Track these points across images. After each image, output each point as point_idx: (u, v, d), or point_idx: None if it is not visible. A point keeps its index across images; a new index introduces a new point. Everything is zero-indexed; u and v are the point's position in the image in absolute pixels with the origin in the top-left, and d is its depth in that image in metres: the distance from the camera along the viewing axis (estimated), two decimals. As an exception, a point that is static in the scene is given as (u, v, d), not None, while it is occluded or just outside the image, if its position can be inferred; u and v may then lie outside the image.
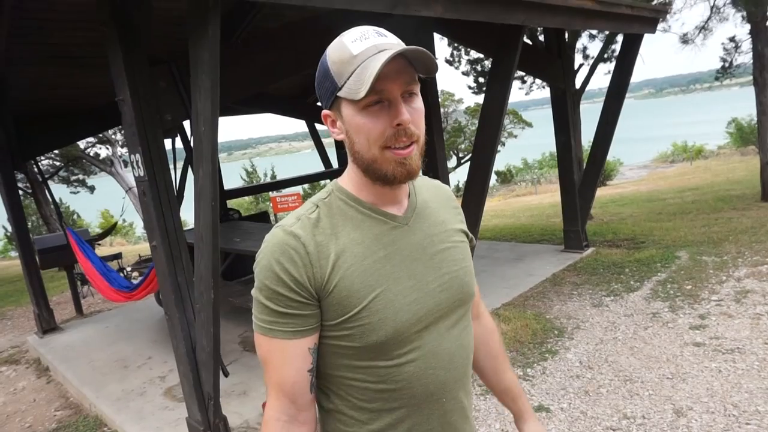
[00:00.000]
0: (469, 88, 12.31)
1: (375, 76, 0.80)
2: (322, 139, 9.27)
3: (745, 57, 9.13)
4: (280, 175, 22.18)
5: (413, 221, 0.98)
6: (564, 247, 6.38)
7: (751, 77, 8.50)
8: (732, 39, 9.24)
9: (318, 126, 8.86)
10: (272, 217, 9.36)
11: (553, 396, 3.23)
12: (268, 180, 23.04)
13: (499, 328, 4.22)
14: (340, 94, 0.87)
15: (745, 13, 8.13)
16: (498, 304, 4.79)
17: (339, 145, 8.35)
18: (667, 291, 4.65)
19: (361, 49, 0.85)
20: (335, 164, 8.93)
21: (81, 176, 15.70)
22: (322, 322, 0.91)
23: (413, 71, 0.87)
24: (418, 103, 0.90)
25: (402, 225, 0.96)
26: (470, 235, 1.14)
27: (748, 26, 8.23)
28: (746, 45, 8.79)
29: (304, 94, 8.16)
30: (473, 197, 4.50)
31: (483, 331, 1.21)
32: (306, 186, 20.28)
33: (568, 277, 5.39)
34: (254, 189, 13.30)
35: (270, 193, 11.48)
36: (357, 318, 0.89)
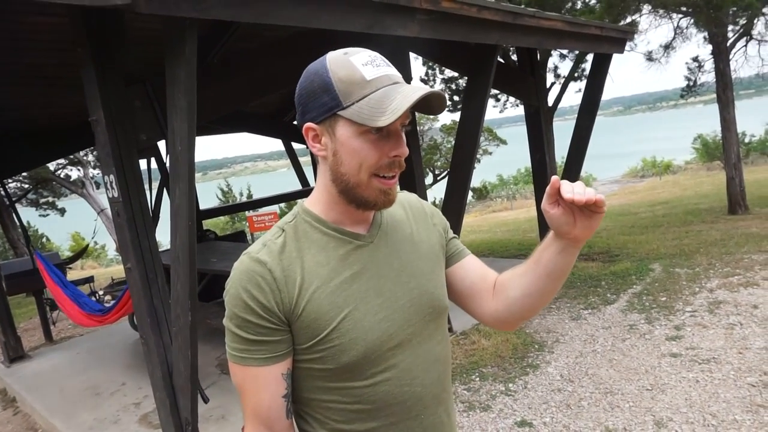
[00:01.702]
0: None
1: (405, 110, 0.82)
2: (299, 158, 9.24)
3: (708, 76, 9.50)
4: (257, 195, 22.02)
5: (378, 238, 0.97)
6: (541, 261, 6.44)
7: (714, 95, 8.83)
8: (695, 59, 9.61)
9: (294, 145, 8.84)
10: (249, 237, 9.25)
11: (536, 410, 3.23)
12: (244, 199, 22.84)
13: (479, 343, 4.22)
14: (343, 113, 0.85)
15: (707, 34, 8.47)
16: (477, 321, 4.79)
17: (315, 163, 8.34)
18: (642, 303, 4.72)
19: (375, 76, 0.85)
20: (312, 182, 8.90)
21: (50, 198, 15.32)
22: (294, 346, 0.91)
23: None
24: (404, 135, 0.92)
25: (367, 243, 0.96)
26: (450, 234, 1.13)
27: (710, 47, 8.57)
28: (709, 65, 9.15)
29: (280, 113, 8.15)
30: (451, 214, 4.52)
31: (502, 291, 1.07)
32: (283, 205, 20.17)
33: (546, 292, 5.43)
34: (230, 209, 13.18)
35: (246, 212, 11.37)
36: (327, 340, 0.89)
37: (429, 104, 0.89)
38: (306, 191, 9.00)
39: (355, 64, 0.86)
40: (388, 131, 0.87)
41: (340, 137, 0.88)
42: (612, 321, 4.44)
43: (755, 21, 8.48)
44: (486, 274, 1.11)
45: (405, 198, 1.11)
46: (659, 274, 5.48)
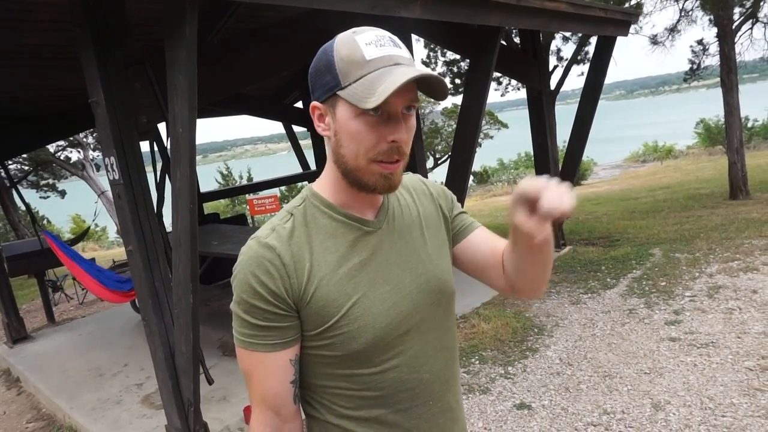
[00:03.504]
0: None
1: (391, 92, 0.78)
2: (300, 141, 9.21)
3: (712, 59, 9.41)
4: (257, 178, 21.99)
5: (386, 224, 0.96)
6: (541, 246, 6.43)
7: (718, 79, 8.76)
8: (700, 42, 9.52)
9: (295, 127, 8.80)
10: (249, 220, 9.26)
11: (535, 393, 3.26)
12: (244, 182, 22.82)
13: (478, 327, 4.25)
14: (342, 93, 0.83)
15: (712, 17, 8.37)
16: (478, 304, 4.82)
17: (316, 146, 8.32)
18: (642, 287, 4.74)
19: (376, 56, 0.82)
20: (313, 166, 8.89)
21: (51, 180, 15.30)
22: (303, 332, 0.90)
23: (417, 89, 0.85)
24: (413, 121, 0.88)
25: (375, 229, 0.95)
26: (457, 209, 1.10)
27: (715, 29, 8.47)
28: (713, 48, 9.06)
29: (280, 95, 8.10)
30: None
31: (505, 267, 1.05)
32: (283, 188, 20.14)
33: (546, 276, 5.44)
34: (231, 191, 13.16)
35: (246, 195, 11.36)
36: (336, 327, 0.88)
37: (431, 88, 0.86)
38: (306, 174, 8.99)
39: (359, 43, 0.83)
40: (388, 114, 0.84)
41: (340, 118, 0.86)
42: (611, 305, 4.46)
43: (762, 3, 8.38)
44: (495, 246, 1.08)
45: (410, 180, 1.09)
46: (659, 259, 5.49)
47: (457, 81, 11.90)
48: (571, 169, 6.45)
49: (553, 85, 9.36)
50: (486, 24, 3.85)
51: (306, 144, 9.04)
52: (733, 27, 8.39)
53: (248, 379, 0.93)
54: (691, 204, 8.60)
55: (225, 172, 25.79)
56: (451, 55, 11.62)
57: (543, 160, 6.35)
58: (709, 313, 4.00)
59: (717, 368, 3.22)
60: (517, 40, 8.28)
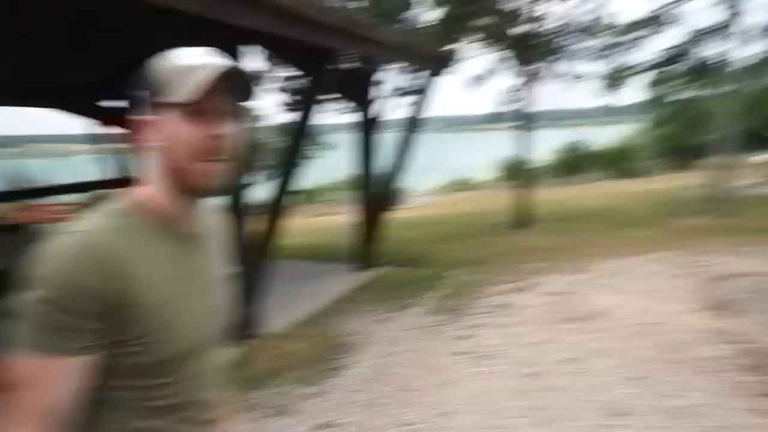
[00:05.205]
0: (278, 106, 12.31)
1: (198, 84, 0.84)
2: (103, 144, 8.30)
3: (515, 105, 11.00)
4: (47, 181, 19.16)
5: (197, 245, 0.99)
6: (354, 266, 6.67)
7: (519, 122, 10.46)
8: (506, 89, 11.14)
9: (101, 129, 7.92)
10: (30, 228, 7.99)
11: (340, 411, 3.31)
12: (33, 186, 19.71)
13: (282, 348, 4.20)
14: (159, 100, 0.88)
15: (517, 69, 9.92)
16: (286, 324, 4.77)
17: (131, 152, 7.59)
18: (439, 307, 5.21)
19: (188, 61, 0.89)
20: (120, 172, 8.08)
21: None
22: (102, 339, 0.85)
23: (230, 91, 0.91)
24: (234, 122, 0.92)
25: (190, 246, 0.98)
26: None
27: (519, 79, 10.10)
28: (518, 95, 10.65)
29: (88, 90, 7.22)
30: (273, 215, 4.47)
31: None
32: (80, 195, 17.90)
33: (356, 296, 5.68)
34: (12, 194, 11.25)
35: (33, 200, 9.82)
36: (135, 337, 0.86)
37: (240, 85, 0.94)
38: (107, 181, 8.19)
39: (174, 56, 0.93)
40: (206, 113, 0.90)
41: (160, 125, 0.92)
42: (412, 324, 4.79)
43: (557, 60, 10.39)
44: None
45: (219, 220, 1.16)
46: (455, 280, 6.10)
47: (291, 98, 11.86)
48: (387, 194, 6.88)
49: (378, 113, 9.89)
50: (319, 45, 3.95)
51: (113, 147, 8.17)
52: (532, 79, 10.02)
53: (25, 392, 0.82)
54: (486, 231, 9.77)
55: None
56: (287, 72, 11.57)
57: (362, 183, 6.69)
58: (493, 328, 4.54)
59: (498, 377, 3.66)
60: (348, 65, 8.59)
